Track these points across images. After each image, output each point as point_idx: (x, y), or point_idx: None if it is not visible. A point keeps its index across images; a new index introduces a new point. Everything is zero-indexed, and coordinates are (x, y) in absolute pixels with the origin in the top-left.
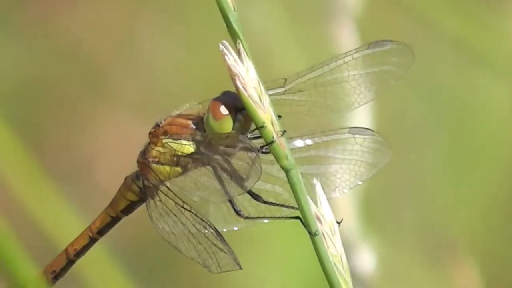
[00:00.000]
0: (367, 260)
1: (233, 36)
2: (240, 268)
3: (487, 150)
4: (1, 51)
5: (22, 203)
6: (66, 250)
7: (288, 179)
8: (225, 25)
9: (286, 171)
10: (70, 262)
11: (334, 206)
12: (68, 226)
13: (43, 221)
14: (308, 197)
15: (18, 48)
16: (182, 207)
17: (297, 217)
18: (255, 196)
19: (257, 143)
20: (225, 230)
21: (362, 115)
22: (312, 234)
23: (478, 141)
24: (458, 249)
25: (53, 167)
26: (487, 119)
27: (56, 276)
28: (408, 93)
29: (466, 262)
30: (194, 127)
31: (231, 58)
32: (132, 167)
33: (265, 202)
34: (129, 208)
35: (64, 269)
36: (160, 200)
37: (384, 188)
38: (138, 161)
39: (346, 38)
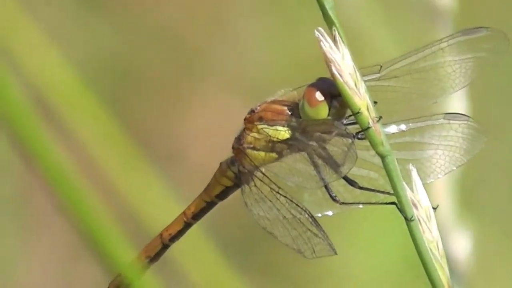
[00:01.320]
0: (463, 244)
1: (329, 23)
2: (335, 253)
3: None
4: (95, 31)
5: (118, 186)
6: (160, 234)
7: (384, 165)
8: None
9: (382, 157)
10: (165, 247)
11: (430, 190)
12: (164, 210)
13: (139, 205)
14: (404, 182)
15: (112, 29)
16: (277, 192)
17: (393, 203)
18: (350, 182)
19: (352, 129)
20: (319, 215)
21: (457, 101)
22: (408, 220)
23: None
24: None
25: (148, 150)
26: None
27: (151, 260)
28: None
29: None
30: (289, 113)
31: (326, 45)
32: (226, 151)
33: (361, 188)
34: (224, 194)
35: (159, 254)
36: (255, 186)
37: (480, 173)
38: (233, 147)
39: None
